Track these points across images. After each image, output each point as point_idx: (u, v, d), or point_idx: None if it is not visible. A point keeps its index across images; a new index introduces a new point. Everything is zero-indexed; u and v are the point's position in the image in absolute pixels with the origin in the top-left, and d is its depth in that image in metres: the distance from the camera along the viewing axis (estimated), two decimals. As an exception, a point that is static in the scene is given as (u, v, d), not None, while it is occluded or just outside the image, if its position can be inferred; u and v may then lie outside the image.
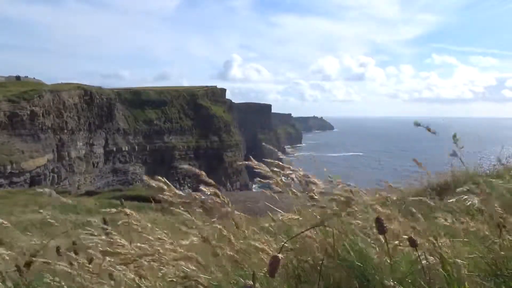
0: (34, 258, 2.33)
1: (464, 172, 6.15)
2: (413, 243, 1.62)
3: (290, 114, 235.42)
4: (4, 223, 2.68)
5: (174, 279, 1.98)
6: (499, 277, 1.62)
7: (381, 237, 1.71)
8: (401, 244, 1.80)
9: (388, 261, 1.69)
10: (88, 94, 75.41)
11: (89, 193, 28.64)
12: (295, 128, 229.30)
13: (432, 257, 1.67)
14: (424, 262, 1.59)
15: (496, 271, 1.64)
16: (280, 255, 1.50)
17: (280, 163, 2.35)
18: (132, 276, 2.11)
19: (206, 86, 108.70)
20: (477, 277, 1.63)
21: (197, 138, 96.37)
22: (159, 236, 2.38)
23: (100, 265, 2.30)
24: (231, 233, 2.15)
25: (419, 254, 1.61)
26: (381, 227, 1.65)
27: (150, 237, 2.38)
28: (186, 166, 2.50)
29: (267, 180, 2.31)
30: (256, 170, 2.31)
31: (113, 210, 2.40)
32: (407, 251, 1.79)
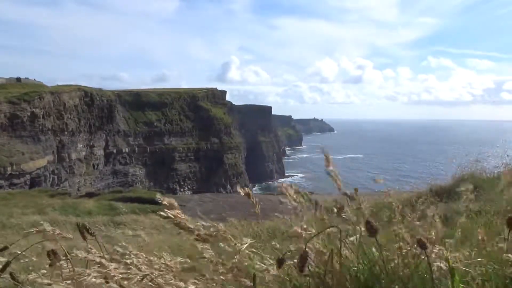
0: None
1: (465, 175, 6.17)
2: (422, 246, 1.56)
3: (290, 116, 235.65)
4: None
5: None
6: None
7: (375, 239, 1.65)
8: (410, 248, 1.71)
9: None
10: (88, 96, 75.47)
11: (89, 195, 28.57)
12: (296, 130, 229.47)
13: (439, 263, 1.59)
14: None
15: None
16: (309, 250, 1.51)
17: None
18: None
19: (207, 88, 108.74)
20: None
21: (197, 140, 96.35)
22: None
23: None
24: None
25: (428, 258, 1.55)
26: (371, 228, 1.61)
27: None
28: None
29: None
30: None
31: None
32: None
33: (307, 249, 1.54)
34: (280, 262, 1.62)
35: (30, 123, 58.96)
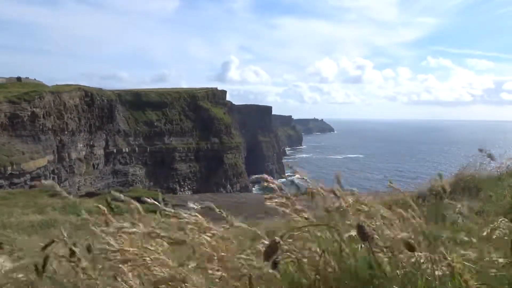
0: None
1: (465, 175, 6.16)
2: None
3: (290, 116, 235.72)
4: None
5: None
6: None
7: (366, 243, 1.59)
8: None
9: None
10: (88, 96, 75.51)
11: (89, 194, 28.64)
12: (296, 130, 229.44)
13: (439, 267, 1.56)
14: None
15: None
16: (279, 240, 1.43)
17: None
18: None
19: (207, 88, 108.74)
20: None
21: (197, 140, 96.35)
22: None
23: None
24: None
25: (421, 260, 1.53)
26: (363, 234, 1.53)
27: None
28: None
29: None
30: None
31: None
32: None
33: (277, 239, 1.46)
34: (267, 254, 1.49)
35: (31, 122, 58.99)
